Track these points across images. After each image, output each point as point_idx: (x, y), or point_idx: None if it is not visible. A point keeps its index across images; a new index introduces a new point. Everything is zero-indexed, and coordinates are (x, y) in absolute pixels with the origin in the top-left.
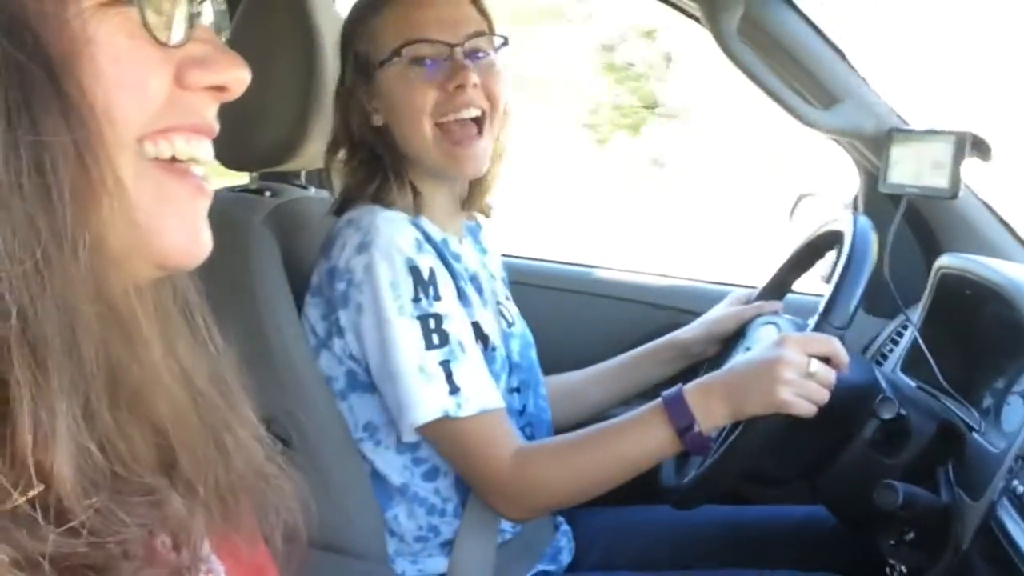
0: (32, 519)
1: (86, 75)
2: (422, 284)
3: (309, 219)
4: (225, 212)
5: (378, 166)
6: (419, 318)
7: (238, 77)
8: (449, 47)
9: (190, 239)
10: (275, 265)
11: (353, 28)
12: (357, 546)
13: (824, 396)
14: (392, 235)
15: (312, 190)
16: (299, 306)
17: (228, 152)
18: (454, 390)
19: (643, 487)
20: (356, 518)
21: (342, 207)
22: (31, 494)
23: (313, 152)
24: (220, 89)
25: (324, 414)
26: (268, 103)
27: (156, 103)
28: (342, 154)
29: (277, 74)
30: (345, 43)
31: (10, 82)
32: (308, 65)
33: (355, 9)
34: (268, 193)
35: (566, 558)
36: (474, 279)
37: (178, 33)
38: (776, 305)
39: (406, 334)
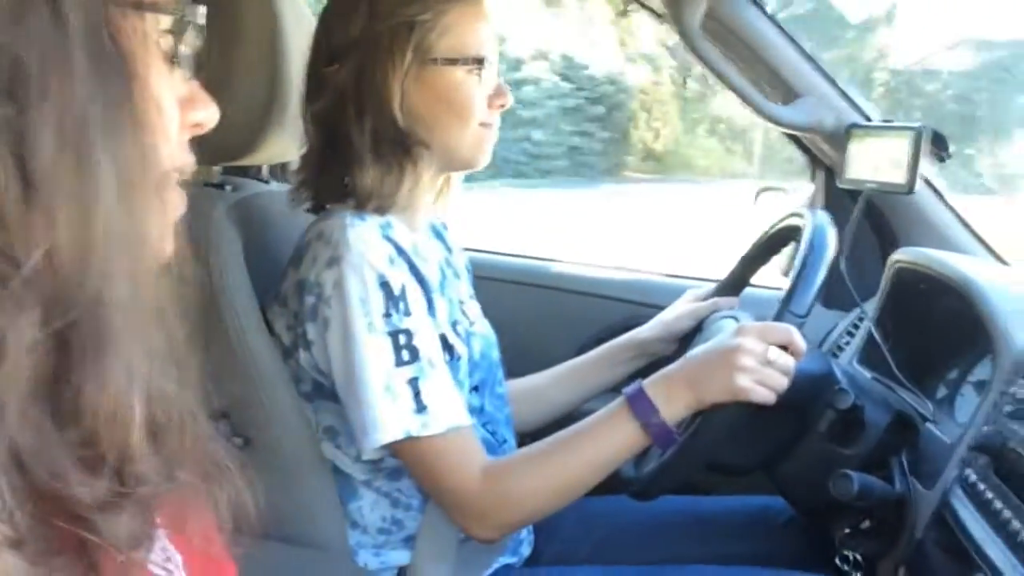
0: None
1: (148, 88)
2: (393, 299)
3: (271, 213)
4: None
5: (383, 154)
6: (390, 334)
7: (215, 115)
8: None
9: (170, 239)
10: (236, 259)
11: (415, 13)
12: (318, 539)
13: (783, 383)
14: (364, 250)
15: (274, 184)
16: (260, 298)
17: (189, 145)
18: (421, 408)
19: None
20: (317, 511)
21: (316, 199)
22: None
23: (275, 146)
24: (199, 126)
25: (285, 408)
26: (230, 96)
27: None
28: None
29: (240, 67)
30: (398, 28)
31: (107, 77)
32: (272, 59)
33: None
34: (229, 187)
35: (526, 550)
36: (439, 278)
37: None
38: (732, 301)
39: (375, 351)
